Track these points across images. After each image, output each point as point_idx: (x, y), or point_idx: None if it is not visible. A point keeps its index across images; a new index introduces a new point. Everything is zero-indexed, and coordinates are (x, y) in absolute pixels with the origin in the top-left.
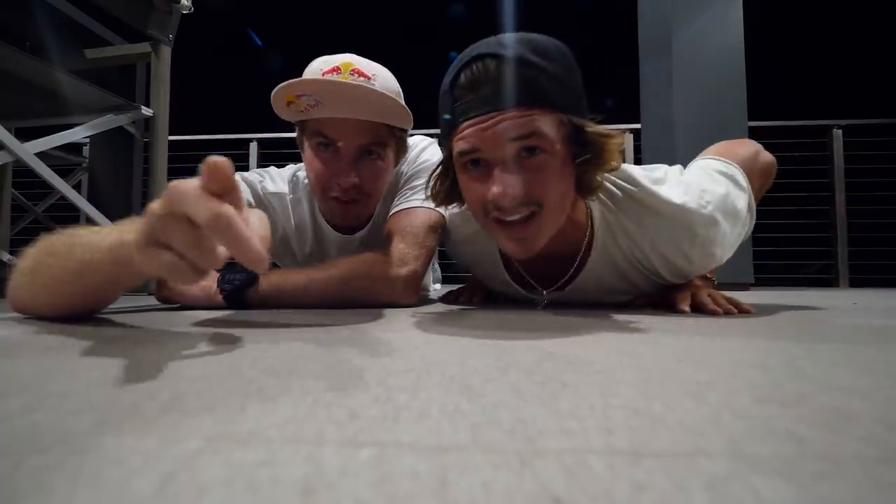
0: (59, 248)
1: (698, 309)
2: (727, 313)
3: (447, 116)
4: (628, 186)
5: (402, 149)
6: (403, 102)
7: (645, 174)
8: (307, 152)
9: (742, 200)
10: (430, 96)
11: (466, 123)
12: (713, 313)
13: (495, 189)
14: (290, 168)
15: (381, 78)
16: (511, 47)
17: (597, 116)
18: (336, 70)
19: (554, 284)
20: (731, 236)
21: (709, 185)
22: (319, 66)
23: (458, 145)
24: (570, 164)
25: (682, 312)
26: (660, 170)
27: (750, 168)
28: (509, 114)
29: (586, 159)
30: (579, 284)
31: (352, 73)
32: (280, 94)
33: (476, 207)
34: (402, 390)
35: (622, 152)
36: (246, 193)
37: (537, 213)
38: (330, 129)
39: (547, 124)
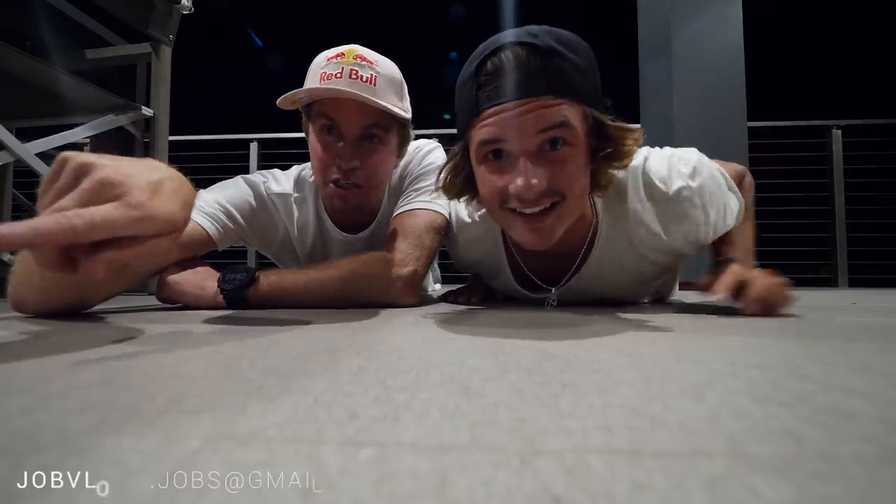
0: None
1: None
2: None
3: (468, 104)
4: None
5: (404, 139)
6: (406, 91)
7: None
8: (311, 138)
9: (713, 166)
10: (431, 97)
11: (492, 110)
12: (752, 313)
13: (520, 181)
14: (296, 168)
15: (384, 66)
16: (540, 37)
17: (614, 114)
18: (340, 55)
19: (557, 283)
20: (718, 192)
21: (680, 153)
22: (325, 54)
23: (481, 133)
24: (589, 159)
25: (716, 295)
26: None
27: (738, 180)
28: (538, 101)
29: (608, 153)
30: (584, 278)
31: (355, 58)
32: (285, 101)
33: (492, 198)
34: (402, 390)
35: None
36: (248, 195)
37: (560, 203)
38: (333, 109)
39: (574, 115)
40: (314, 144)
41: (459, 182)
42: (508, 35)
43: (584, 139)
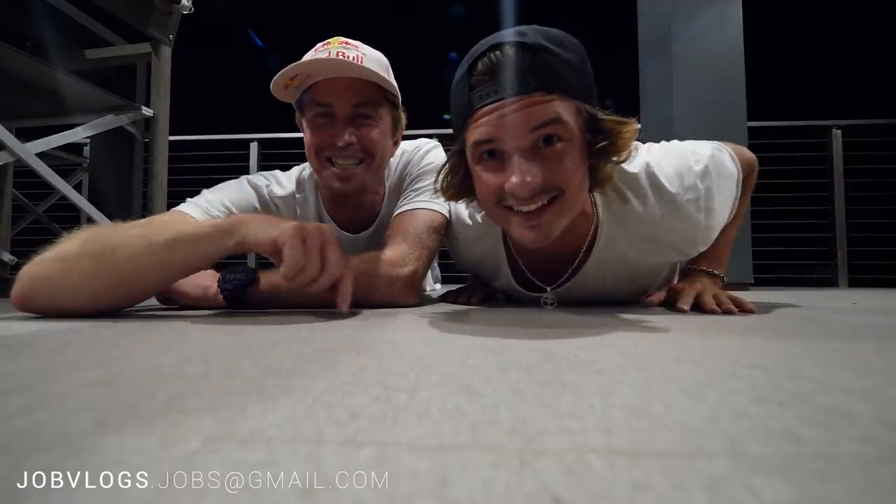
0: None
1: (700, 308)
2: (727, 312)
3: (462, 105)
4: (627, 170)
5: (396, 119)
6: (391, 74)
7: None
8: (305, 128)
9: (730, 163)
10: (431, 97)
11: (485, 110)
12: (712, 312)
13: (514, 179)
14: (296, 169)
15: (370, 50)
16: (529, 36)
17: (609, 108)
18: (326, 44)
19: (557, 283)
20: (726, 193)
21: (697, 147)
22: (312, 50)
23: (475, 133)
24: (585, 154)
25: (682, 311)
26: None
27: (745, 174)
28: (530, 98)
29: (603, 147)
30: (584, 277)
31: (340, 43)
32: (277, 84)
33: (488, 197)
34: (402, 390)
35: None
36: (252, 198)
37: (557, 199)
38: (323, 92)
39: (566, 111)
40: (307, 134)
41: (457, 183)
42: (499, 36)
43: (579, 134)
